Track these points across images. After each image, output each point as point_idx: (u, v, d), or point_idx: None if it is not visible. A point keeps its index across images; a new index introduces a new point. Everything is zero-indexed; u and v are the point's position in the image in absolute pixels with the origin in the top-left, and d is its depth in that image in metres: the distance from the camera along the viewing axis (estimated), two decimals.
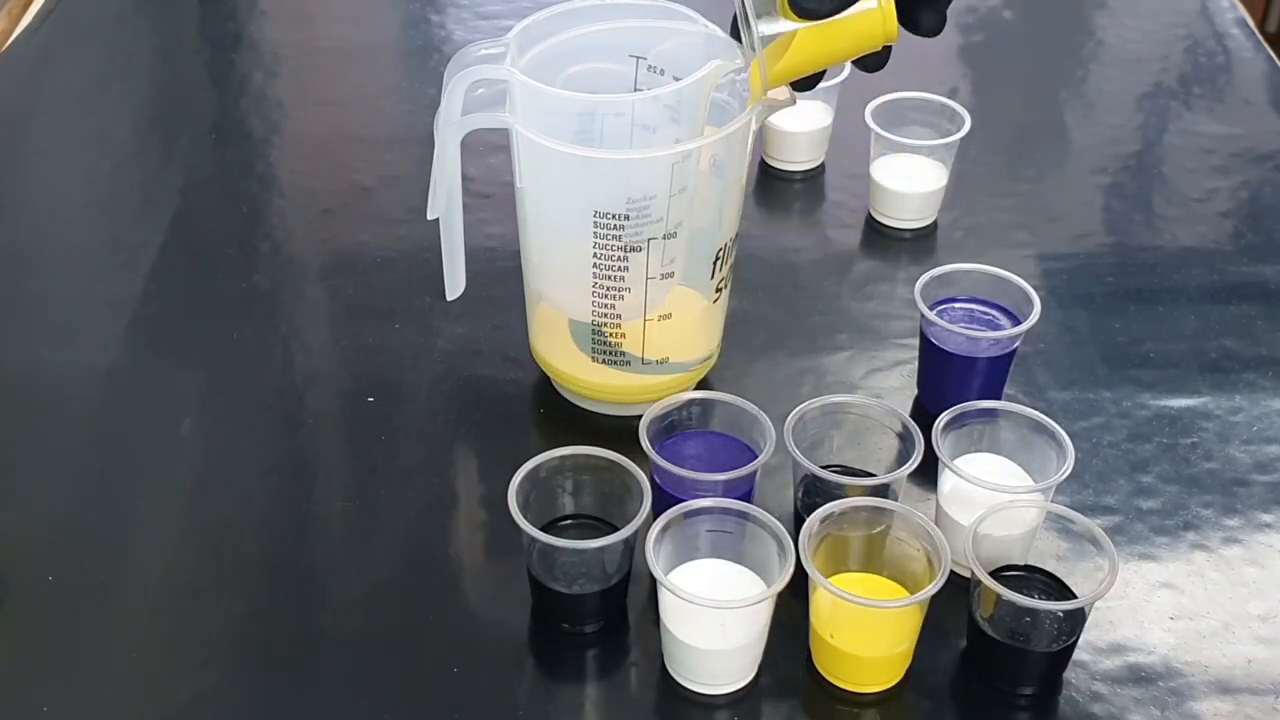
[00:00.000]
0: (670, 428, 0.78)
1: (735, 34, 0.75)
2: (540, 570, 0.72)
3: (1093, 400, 0.87)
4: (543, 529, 0.71)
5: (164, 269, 0.98)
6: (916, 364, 0.87)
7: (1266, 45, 1.23)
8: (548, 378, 0.87)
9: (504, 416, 0.86)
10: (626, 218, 0.76)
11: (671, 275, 0.79)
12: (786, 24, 0.71)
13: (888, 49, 0.73)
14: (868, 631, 0.69)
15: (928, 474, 0.77)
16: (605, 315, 0.80)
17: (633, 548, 0.72)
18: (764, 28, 0.72)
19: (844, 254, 1.01)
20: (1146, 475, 0.82)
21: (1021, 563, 0.76)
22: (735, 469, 0.74)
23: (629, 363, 0.82)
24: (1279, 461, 0.83)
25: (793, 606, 0.72)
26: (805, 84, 0.76)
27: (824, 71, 0.76)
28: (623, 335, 0.81)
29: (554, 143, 0.76)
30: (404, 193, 1.03)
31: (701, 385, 0.86)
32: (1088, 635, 0.73)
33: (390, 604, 0.75)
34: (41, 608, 0.75)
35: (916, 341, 0.86)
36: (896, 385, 0.88)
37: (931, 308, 0.83)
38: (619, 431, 0.81)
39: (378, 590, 0.76)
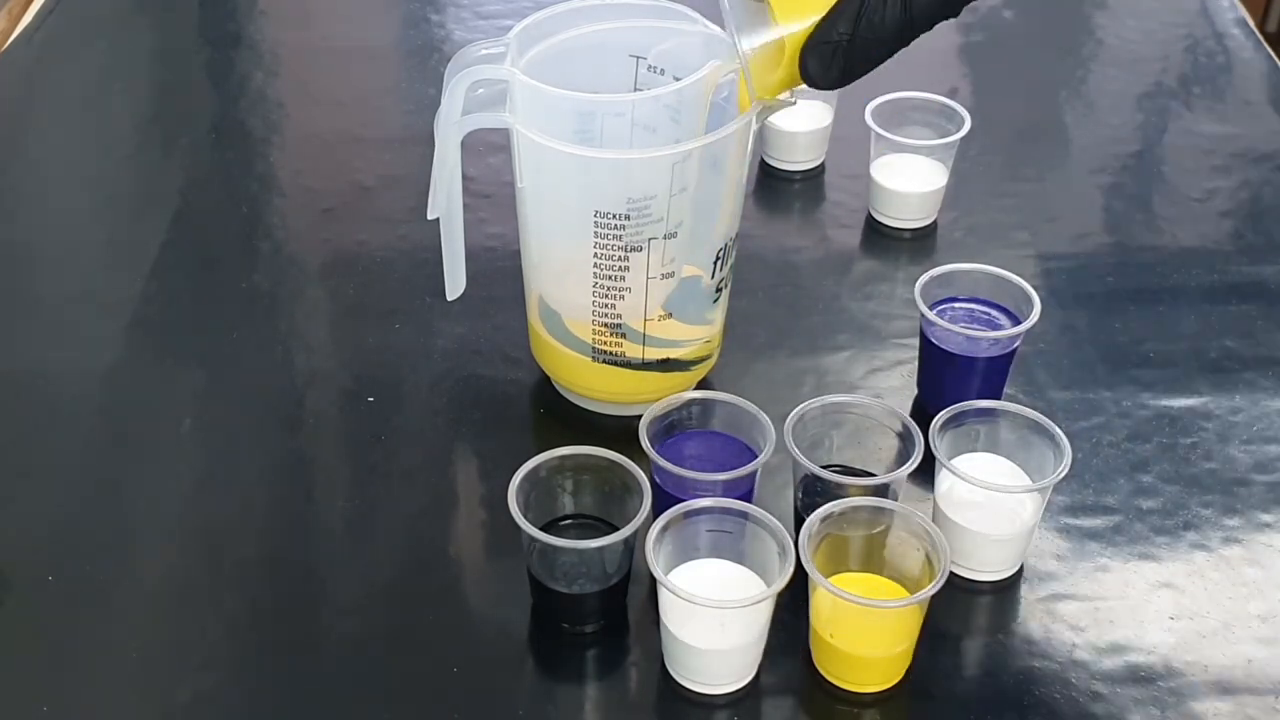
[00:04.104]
0: (670, 428, 0.78)
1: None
2: (540, 570, 0.72)
3: (1093, 400, 0.87)
4: (543, 529, 0.71)
5: (164, 269, 0.98)
6: (916, 364, 0.87)
7: (1266, 45, 1.23)
8: (548, 378, 0.87)
9: (504, 416, 0.86)
10: (627, 218, 0.76)
11: (672, 275, 0.79)
12: (772, 33, 0.71)
13: None
14: (868, 631, 0.69)
15: (927, 474, 0.77)
16: (605, 315, 0.80)
17: (633, 548, 0.72)
18: (746, 42, 0.72)
19: (844, 254, 1.01)
20: (1146, 475, 0.82)
21: (1019, 563, 0.77)
22: (735, 469, 0.74)
23: (629, 362, 0.82)
24: (1279, 461, 0.83)
25: (793, 606, 0.72)
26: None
27: None
28: (621, 336, 0.81)
29: (554, 143, 0.76)
30: (404, 193, 1.03)
31: (701, 385, 0.86)
32: (1088, 635, 0.73)
33: (390, 604, 0.75)
34: (41, 608, 0.75)
35: (916, 341, 0.86)
36: (896, 385, 0.88)
37: (931, 308, 0.83)
38: (619, 431, 0.81)
39: (378, 590, 0.76)
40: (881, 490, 0.73)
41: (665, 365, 0.83)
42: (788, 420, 0.76)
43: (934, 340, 0.84)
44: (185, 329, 0.93)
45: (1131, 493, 0.81)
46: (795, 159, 1.07)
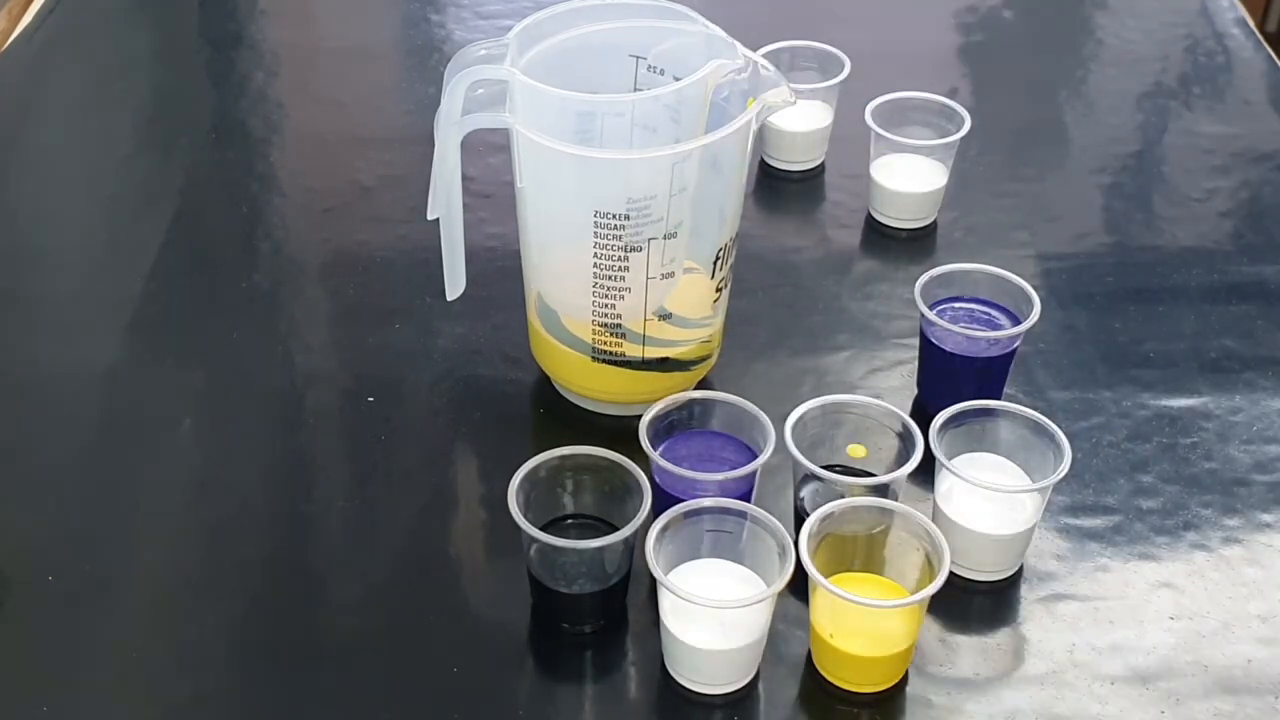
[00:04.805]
0: (670, 428, 0.78)
1: None
2: (540, 570, 0.72)
3: (1093, 400, 0.87)
4: (543, 529, 0.71)
5: (164, 269, 0.98)
6: (916, 364, 0.87)
7: (1266, 45, 1.23)
8: (548, 378, 0.87)
9: (504, 416, 0.86)
10: (627, 218, 0.76)
11: (672, 275, 0.79)
12: None
13: None
14: (868, 631, 0.69)
15: (927, 474, 0.77)
16: (605, 315, 0.80)
17: (633, 548, 0.72)
18: None
19: (844, 254, 1.01)
20: (1146, 475, 0.82)
21: (1018, 562, 0.77)
22: (735, 469, 0.74)
23: (628, 362, 0.82)
24: (1279, 461, 0.83)
25: (793, 606, 0.72)
26: None
27: None
28: (621, 336, 0.81)
29: (554, 143, 0.76)
30: (404, 193, 1.03)
31: (701, 385, 0.86)
32: (1088, 635, 0.73)
33: (390, 604, 0.75)
34: (41, 608, 0.75)
35: (916, 341, 0.86)
36: (896, 385, 0.88)
37: (931, 308, 0.83)
38: (619, 431, 0.81)
39: (378, 590, 0.76)
40: (881, 490, 0.73)
41: (665, 365, 0.83)
42: (788, 420, 0.76)
43: (934, 340, 0.83)
44: (185, 329, 0.93)
45: (1131, 493, 0.81)
46: (795, 159, 1.07)
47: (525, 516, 0.70)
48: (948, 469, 0.74)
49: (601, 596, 0.72)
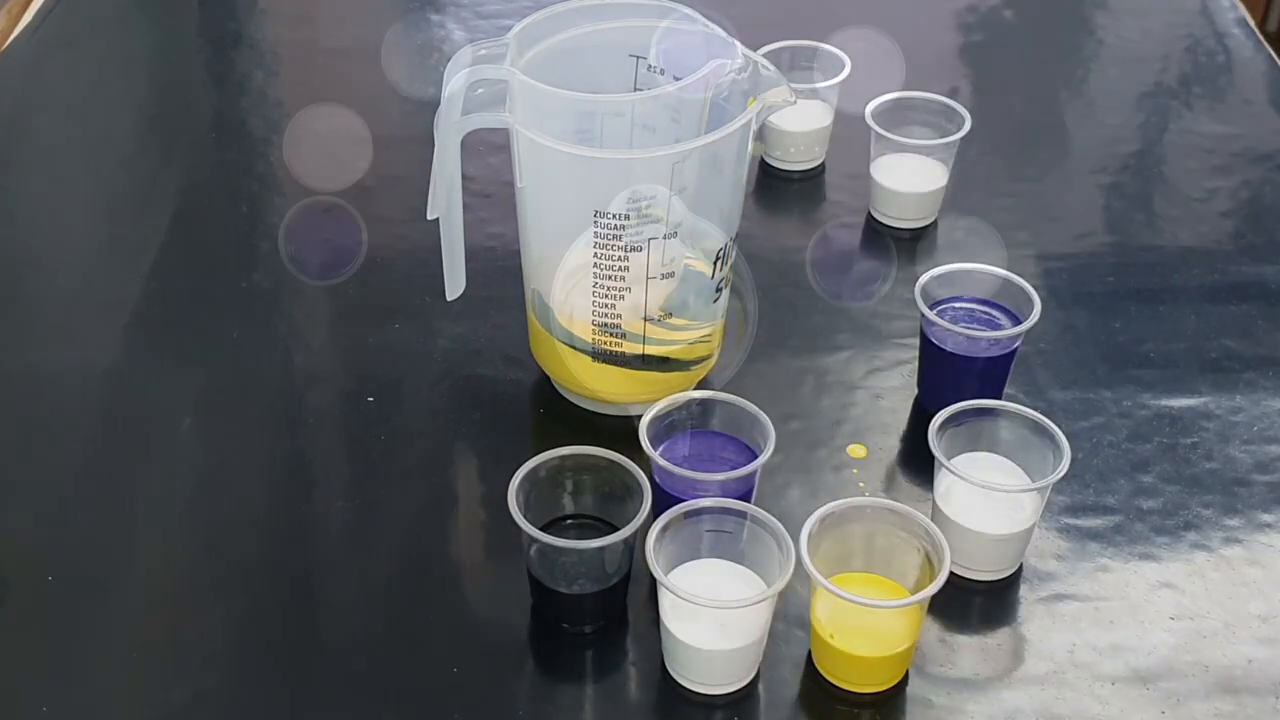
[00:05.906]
0: (670, 428, 0.78)
1: None
2: (540, 570, 0.72)
3: (1093, 400, 0.87)
4: (543, 529, 0.71)
5: (164, 269, 0.98)
6: (916, 364, 0.87)
7: (1267, 45, 1.23)
8: (548, 378, 0.87)
9: (504, 416, 0.86)
10: (627, 218, 0.76)
11: (672, 275, 0.79)
12: None
13: None
14: (868, 631, 0.69)
15: (927, 474, 0.77)
16: (605, 315, 0.80)
17: (633, 548, 0.72)
18: None
19: (844, 254, 1.01)
20: (1147, 475, 0.82)
21: (1018, 562, 0.77)
22: (735, 469, 0.74)
23: (629, 362, 0.82)
24: (1279, 461, 0.83)
25: (793, 606, 0.72)
26: None
27: None
28: (621, 336, 0.81)
29: (554, 143, 0.76)
30: (404, 193, 1.03)
31: (701, 385, 0.86)
32: (1088, 635, 0.73)
33: (390, 604, 0.75)
34: (41, 608, 0.75)
35: (916, 341, 0.86)
36: (896, 385, 0.88)
37: (931, 308, 0.83)
38: (619, 431, 0.81)
39: (378, 590, 0.76)
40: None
41: (665, 365, 0.83)
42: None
43: (934, 340, 0.83)
44: (185, 329, 0.93)
45: (1132, 493, 0.81)
46: (795, 159, 1.07)
47: (525, 516, 0.70)
48: (948, 469, 0.74)
49: (601, 596, 0.72)
